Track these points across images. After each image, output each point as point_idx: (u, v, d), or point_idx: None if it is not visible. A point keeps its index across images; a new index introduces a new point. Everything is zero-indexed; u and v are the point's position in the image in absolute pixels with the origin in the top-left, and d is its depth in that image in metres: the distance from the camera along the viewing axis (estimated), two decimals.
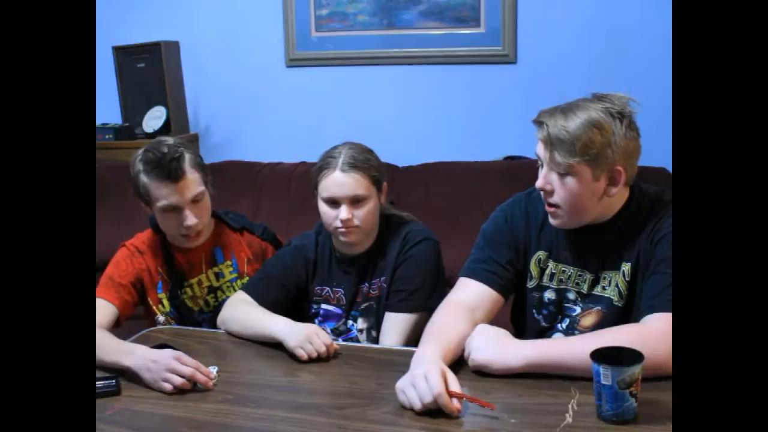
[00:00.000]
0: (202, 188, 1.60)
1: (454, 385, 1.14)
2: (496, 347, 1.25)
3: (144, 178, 1.57)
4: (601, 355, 1.09)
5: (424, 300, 1.55)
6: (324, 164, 1.57)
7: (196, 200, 1.59)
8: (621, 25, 2.62)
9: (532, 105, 1.43)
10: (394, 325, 1.55)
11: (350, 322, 1.65)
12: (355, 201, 1.54)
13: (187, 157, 1.59)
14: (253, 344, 1.49)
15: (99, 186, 1.50)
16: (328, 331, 1.62)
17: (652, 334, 1.19)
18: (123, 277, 1.63)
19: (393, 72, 2.87)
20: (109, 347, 1.36)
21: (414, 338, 1.48)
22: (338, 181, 1.53)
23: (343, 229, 1.54)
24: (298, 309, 1.64)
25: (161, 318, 1.70)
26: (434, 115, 2.85)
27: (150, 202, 1.59)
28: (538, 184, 1.34)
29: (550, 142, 1.29)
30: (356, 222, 1.54)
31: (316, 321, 1.66)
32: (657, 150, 2.04)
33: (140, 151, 1.61)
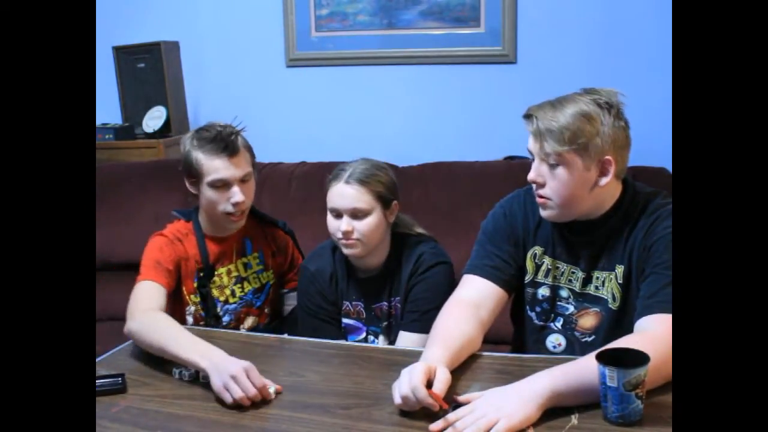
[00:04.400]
0: (251, 169, 1.65)
1: (440, 383, 1.14)
2: (519, 398, 1.11)
3: (198, 154, 1.61)
4: (606, 357, 1.08)
5: None
6: (333, 176, 1.61)
7: (244, 180, 1.63)
8: (621, 25, 2.62)
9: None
10: (407, 345, 1.55)
11: (371, 337, 1.67)
12: (356, 214, 1.56)
13: (240, 137, 1.64)
14: (259, 344, 1.50)
15: (99, 186, 1.50)
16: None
17: (658, 339, 1.16)
18: (169, 263, 1.62)
19: (393, 72, 2.87)
20: (186, 344, 1.33)
21: None
22: (340, 193, 1.57)
23: (344, 241, 1.58)
24: None
25: (192, 308, 1.70)
26: (434, 115, 2.85)
27: (200, 177, 1.61)
28: (530, 176, 1.35)
29: (540, 134, 1.30)
30: (356, 235, 1.56)
31: None
32: (657, 150, 2.05)
33: (191, 132, 1.66)
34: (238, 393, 1.20)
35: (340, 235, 1.57)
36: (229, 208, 1.62)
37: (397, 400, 1.14)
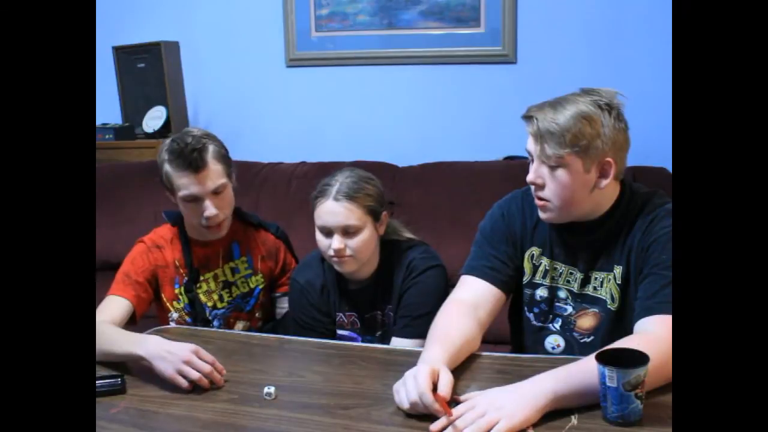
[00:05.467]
0: (223, 180, 1.62)
1: (445, 386, 1.13)
2: (521, 399, 1.10)
3: (167, 167, 1.60)
4: (606, 357, 1.08)
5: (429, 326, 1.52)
6: (319, 192, 1.57)
7: (217, 192, 1.60)
8: (621, 25, 2.62)
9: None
10: None
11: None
12: (348, 231, 1.53)
13: (211, 148, 1.60)
14: (258, 344, 1.49)
15: (99, 186, 1.51)
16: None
17: (658, 340, 1.15)
18: (139, 275, 1.63)
19: (393, 72, 2.87)
20: (122, 339, 1.37)
21: None
22: (330, 210, 1.53)
23: (336, 259, 1.55)
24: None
25: (175, 315, 1.70)
26: (434, 115, 2.85)
27: (173, 191, 1.61)
28: (529, 178, 1.34)
29: (540, 135, 1.29)
30: (349, 252, 1.53)
31: None
32: (657, 150, 2.05)
33: (167, 141, 1.64)
34: (195, 375, 1.24)
35: (332, 253, 1.54)
36: (204, 222, 1.61)
37: (405, 404, 1.13)
